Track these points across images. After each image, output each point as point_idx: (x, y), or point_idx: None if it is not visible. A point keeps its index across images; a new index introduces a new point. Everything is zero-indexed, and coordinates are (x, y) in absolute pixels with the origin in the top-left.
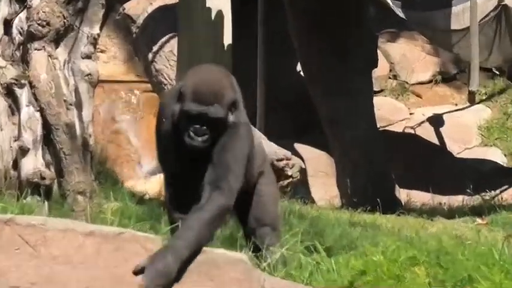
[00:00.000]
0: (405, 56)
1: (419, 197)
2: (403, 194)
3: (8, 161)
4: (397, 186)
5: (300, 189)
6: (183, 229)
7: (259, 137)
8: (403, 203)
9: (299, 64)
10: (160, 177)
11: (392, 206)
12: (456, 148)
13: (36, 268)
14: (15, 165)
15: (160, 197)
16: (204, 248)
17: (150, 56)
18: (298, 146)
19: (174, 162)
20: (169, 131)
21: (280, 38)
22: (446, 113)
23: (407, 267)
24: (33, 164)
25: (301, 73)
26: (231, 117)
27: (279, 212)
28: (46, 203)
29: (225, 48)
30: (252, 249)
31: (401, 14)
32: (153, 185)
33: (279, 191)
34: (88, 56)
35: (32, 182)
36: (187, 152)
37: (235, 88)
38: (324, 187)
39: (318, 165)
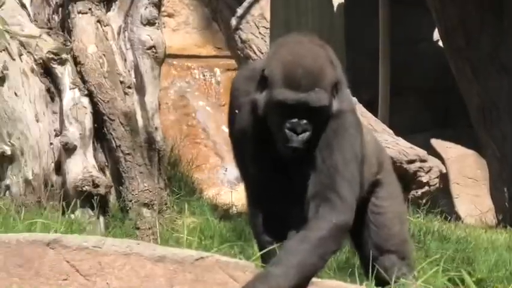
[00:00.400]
0: None
1: None
2: None
3: (49, 163)
4: None
5: (440, 201)
6: (284, 254)
7: (368, 130)
8: None
9: (437, 31)
10: None
11: None
12: None
13: None
14: (58, 168)
15: None
16: (313, 280)
17: (234, 21)
18: (437, 143)
19: (257, 168)
20: (248, 127)
21: None
22: None
23: None
24: (82, 166)
25: (440, 43)
26: (335, 103)
27: (408, 235)
28: (101, 218)
29: (335, 9)
30: (376, 282)
31: None
32: (241, 194)
33: (410, 203)
34: (150, 22)
35: (82, 190)
36: (279, 155)
37: (335, 64)
38: (473, 198)
39: (464, 168)
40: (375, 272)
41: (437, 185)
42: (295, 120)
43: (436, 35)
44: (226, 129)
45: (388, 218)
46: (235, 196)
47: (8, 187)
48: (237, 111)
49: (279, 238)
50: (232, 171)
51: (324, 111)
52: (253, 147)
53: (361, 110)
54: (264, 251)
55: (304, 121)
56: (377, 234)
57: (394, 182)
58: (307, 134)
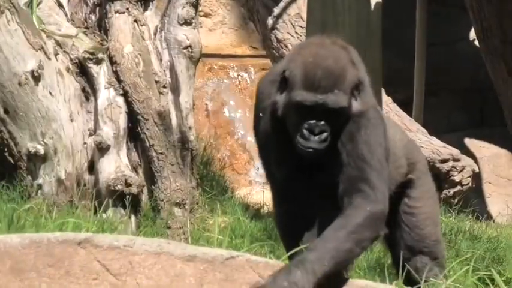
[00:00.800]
0: None
1: None
2: None
3: (82, 163)
4: None
5: (472, 200)
6: (319, 240)
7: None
8: None
9: (473, 30)
10: None
11: None
12: None
13: None
14: (91, 168)
15: None
16: (341, 278)
17: (270, 21)
18: (471, 143)
19: (280, 168)
20: (270, 129)
21: None
22: None
23: None
24: (115, 166)
25: (476, 43)
26: (356, 104)
27: (441, 235)
28: (133, 217)
29: (372, 8)
30: (407, 282)
31: None
32: None
33: (442, 202)
34: (187, 22)
35: (114, 190)
36: (299, 156)
37: (357, 64)
38: (505, 198)
39: (497, 168)
40: (405, 271)
41: (470, 184)
42: (313, 121)
43: (472, 34)
44: None
45: (421, 219)
46: (267, 195)
47: (40, 186)
48: (261, 114)
49: (303, 237)
50: (262, 170)
51: (343, 112)
52: (275, 148)
53: (395, 110)
54: (291, 251)
55: (322, 122)
56: (409, 235)
57: (428, 183)
58: (324, 135)
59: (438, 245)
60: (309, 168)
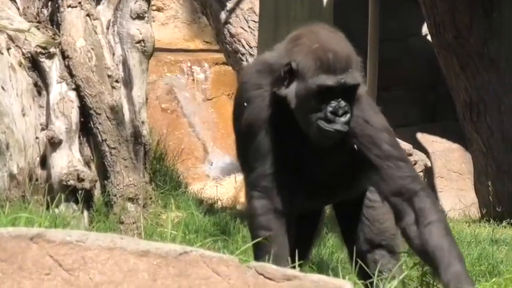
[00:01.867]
0: None
1: None
2: None
3: (34, 157)
4: None
5: None
6: (448, 257)
7: None
8: None
9: (425, 26)
10: (236, 179)
11: None
12: None
13: None
14: (44, 162)
15: (236, 204)
16: (295, 273)
17: (223, 15)
18: (423, 137)
19: (275, 161)
20: (263, 121)
21: None
22: None
23: None
24: (68, 160)
25: (429, 37)
26: (363, 84)
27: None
28: (85, 212)
29: (324, 2)
30: (363, 276)
31: None
32: (226, 188)
33: None
34: (140, 16)
35: (66, 185)
36: (311, 145)
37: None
38: (457, 192)
39: (449, 162)
40: (358, 265)
41: (422, 178)
42: (335, 103)
43: (425, 29)
44: (213, 123)
45: (381, 213)
46: (220, 190)
47: None
48: (245, 104)
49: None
50: (218, 165)
51: (358, 89)
52: (269, 140)
53: None
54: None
55: (344, 103)
56: (369, 228)
57: None
58: (348, 116)
59: (395, 239)
60: (306, 161)
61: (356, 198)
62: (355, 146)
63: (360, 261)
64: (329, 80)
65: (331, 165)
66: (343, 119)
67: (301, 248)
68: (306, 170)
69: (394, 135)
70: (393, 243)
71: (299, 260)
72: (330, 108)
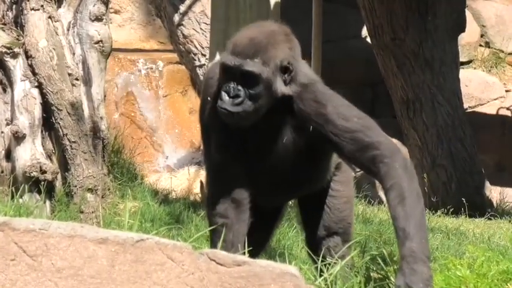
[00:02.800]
0: (501, 18)
1: None
2: (494, 193)
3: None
4: (487, 183)
5: (364, 186)
6: (404, 223)
7: None
8: (494, 204)
9: (365, 28)
10: (189, 171)
11: (481, 207)
12: None
13: (37, 283)
14: (8, 155)
15: (190, 195)
16: (245, 259)
17: (177, 17)
18: None
19: (221, 151)
20: (216, 112)
21: None
22: None
23: (499, 283)
24: (31, 153)
25: (368, 40)
26: (282, 86)
27: (353, 219)
28: (48, 202)
29: (272, 7)
30: (314, 261)
31: None
32: (180, 180)
33: None
34: (98, 18)
35: (30, 176)
36: (252, 137)
37: (293, 51)
38: None
39: None
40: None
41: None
42: (231, 84)
43: (364, 32)
44: (168, 119)
45: (341, 202)
46: (174, 182)
47: None
48: (209, 98)
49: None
50: (172, 158)
51: (259, 80)
52: (228, 132)
53: None
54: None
55: (239, 87)
56: (328, 216)
57: (349, 169)
58: (239, 99)
59: (350, 228)
60: (257, 152)
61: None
62: (311, 128)
63: (319, 248)
64: (228, 60)
65: (288, 155)
66: (232, 100)
67: (259, 238)
68: (264, 160)
69: (349, 108)
70: (348, 232)
71: (255, 249)
72: (224, 88)
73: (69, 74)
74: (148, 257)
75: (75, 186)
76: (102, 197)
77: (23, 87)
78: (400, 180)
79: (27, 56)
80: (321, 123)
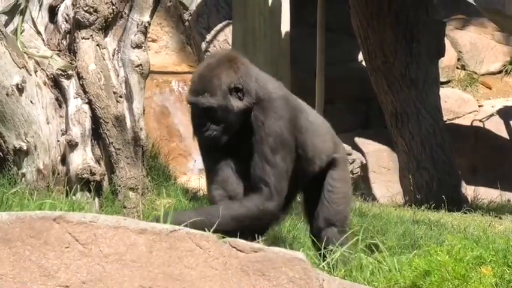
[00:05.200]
0: (474, 45)
1: (487, 194)
2: (469, 191)
3: (56, 156)
4: (463, 182)
5: (361, 185)
6: (210, 208)
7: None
8: (469, 200)
9: (360, 53)
10: None
11: (458, 203)
12: None
13: (87, 267)
14: (64, 160)
15: None
16: (261, 246)
17: (204, 45)
18: (359, 141)
19: (223, 159)
20: None
21: (340, 25)
22: None
23: (474, 267)
24: (82, 159)
25: (363, 63)
26: (237, 102)
27: (350, 213)
28: (96, 199)
29: (283, 36)
30: (316, 249)
31: None
32: None
33: None
34: (138, 46)
35: (81, 177)
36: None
37: (240, 71)
38: (386, 184)
39: (379, 160)
40: (316, 239)
41: (359, 173)
42: (200, 119)
43: (360, 56)
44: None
45: (339, 197)
46: (202, 182)
47: (23, 175)
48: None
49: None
50: (199, 162)
51: (216, 110)
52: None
53: None
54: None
55: (205, 119)
56: (327, 209)
57: (346, 168)
58: (207, 127)
59: (347, 221)
60: (239, 156)
61: (319, 184)
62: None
63: (319, 237)
64: (188, 98)
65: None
66: (204, 131)
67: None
68: (242, 162)
69: (281, 143)
70: (344, 224)
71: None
72: (194, 122)
73: (114, 93)
74: (180, 244)
75: (119, 185)
76: (142, 195)
77: (75, 103)
78: (244, 209)
79: (79, 78)
80: (257, 142)
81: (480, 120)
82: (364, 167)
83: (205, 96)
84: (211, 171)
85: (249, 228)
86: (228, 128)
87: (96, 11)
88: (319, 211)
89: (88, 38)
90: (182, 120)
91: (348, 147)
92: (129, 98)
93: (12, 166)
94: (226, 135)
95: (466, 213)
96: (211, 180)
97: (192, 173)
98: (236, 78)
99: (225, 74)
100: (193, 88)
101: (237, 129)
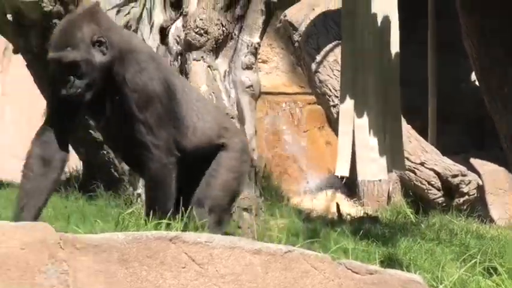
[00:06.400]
0: None
1: None
2: None
3: None
4: None
5: (478, 207)
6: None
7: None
8: None
9: (473, 73)
10: (326, 194)
11: None
12: None
13: (204, 287)
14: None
15: (328, 214)
16: (376, 268)
17: (314, 66)
18: (475, 162)
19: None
20: None
21: (452, 46)
22: None
23: None
24: None
25: (477, 83)
26: (99, 56)
27: (225, 202)
28: None
29: (393, 56)
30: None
31: None
32: (319, 201)
33: (454, 209)
34: (249, 67)
35: None
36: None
37: (101, 24)
38: (503, 205)
39: (496, 181)
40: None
41: (475, 194)
42: (59, 75)
43: (473, 76)
44: (308, 150)
45: (217, 183)
46: (315, 203)
47: (139, 195)
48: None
49: None
50: (312, 183)
51: (79, 64)
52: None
53: (414, 135)
54: None
55: (67, 74)
56: (202, 190)
57: (235, 161)
58: (71, 84)
59: (220, 207)
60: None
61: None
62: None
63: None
64: (49, 55)
65: (117, 117)
66: (71, 89)
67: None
68: (110, 123)
69: (147, 98)
70: (216, 208)
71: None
72: (57, 79)
73: (226, 114)
74: (295, 265)
75: (234, 206)
76: (256, 215)
77: None
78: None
79: None
80: (123, 100)
81: None
82: (480, 189)
83: (67, 51)
84: (44, 124)
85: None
86: (92, 84)
87: (206, 32)
88: (196, 192)
89: (199, 60)
90: (294, 141)
91: (463, 168)
92: (241, 119)
93: (127, 187)
94: (90, 93)
95: None
96: (36, 137)
97: (304, 193)
98: (98, 31)
99: (87, 26)
100: (54, 43)
101: (100, 85)
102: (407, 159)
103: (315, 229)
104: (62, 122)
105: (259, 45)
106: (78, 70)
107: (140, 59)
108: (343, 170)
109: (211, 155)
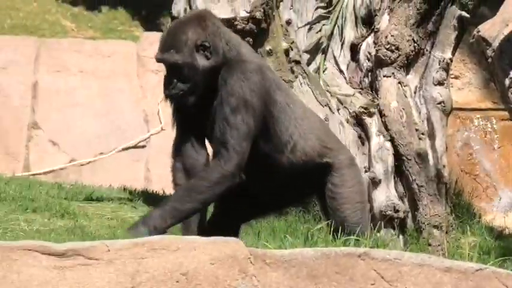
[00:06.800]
0: None
1: None
2: None
3: None
4: None
5: None
6: (168, 198)
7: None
8: None
9: None
10: None
11: None
12: None
13: None
14: (367, 196)
15: None
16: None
17: (507, 81)
18: None
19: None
20: None
21: None
22: None
23: None
24: (386, 196)
25: None
26: (203, 61)
27: (361, 219)
28: (401, 236)
29: None
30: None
31: None
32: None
33: None
34: (440, 83)
35: (385, 214)
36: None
37: (207, 29)
38: None
39: None
40: None
41: None
42: (166, 76)
43: None
44: (501, 168)
45: (340, 203)
46: (508, 220)
47: None
48: None
49: None
50: (505, 200)
51: (181, 67)
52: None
53: None
54: None
55: (171, 76)
56: (333, 217)
57: (350, 175)
58: (173, 85)
59: (356, 228)
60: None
61: (320, 192)
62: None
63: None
64: (156, 55)
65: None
66: (169, 89)
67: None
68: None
69: (243, 104)
70: (354, 230)
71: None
72: (164, 80)
73: (416, 130)
74: (486, 283)
75: (423, 223)
76: (446, 233)
77: (377, 141)
78: (203, 181)
79: (381, 115)
80: (219, 101)
81: None
82: None
83: (171, 53)
84: (176, 138)
85: (218, 195)
86: (195, 87)
87: (397, 48)
88: (332, 220)
89: (390, 76)
90: (486, 157)
91: None
92: (431, 136)
93: (317, 203)
94: (193, 96)
95: None
96: (173, 153)
97: (497, 210)
98: (203, 35)
99: (192, 30)
100: (160, 44)
101: (203, 90)
102: None
103: (507, 247)
104: (187, 127)
105: (451, 61)
106: (181, 73)
107: (247, 68)
108: None
109: (309, 173)
